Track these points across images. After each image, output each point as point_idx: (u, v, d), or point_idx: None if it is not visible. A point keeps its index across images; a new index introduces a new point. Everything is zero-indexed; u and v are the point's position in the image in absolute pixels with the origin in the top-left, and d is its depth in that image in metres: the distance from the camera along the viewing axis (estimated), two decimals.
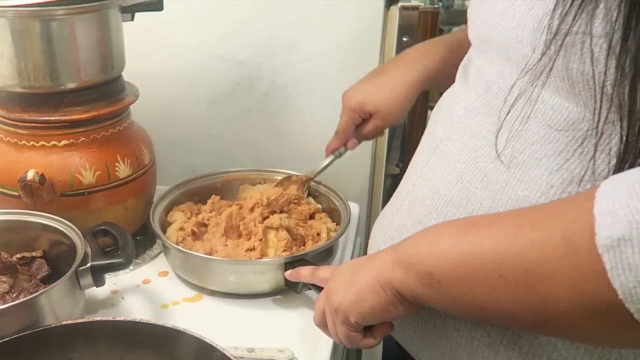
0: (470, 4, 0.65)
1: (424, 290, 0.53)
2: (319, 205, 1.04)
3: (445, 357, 0.62)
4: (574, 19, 0.46)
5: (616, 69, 0.45)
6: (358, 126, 0.95)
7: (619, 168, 0.47)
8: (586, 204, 0.42)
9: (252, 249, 0.89)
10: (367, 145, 1.17)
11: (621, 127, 0.46)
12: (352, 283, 0.60)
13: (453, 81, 0.69)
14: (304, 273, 0.79)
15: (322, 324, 0.68)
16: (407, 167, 0.73)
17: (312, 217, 1.01)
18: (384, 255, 0.58)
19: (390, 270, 0.55)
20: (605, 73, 0.46)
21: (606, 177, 0.47)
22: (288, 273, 0.83)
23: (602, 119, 0.47)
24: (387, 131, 1.25)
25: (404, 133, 1.43)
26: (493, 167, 0.56)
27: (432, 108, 0.75)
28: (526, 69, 0.52)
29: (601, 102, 0.47)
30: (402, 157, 1.36)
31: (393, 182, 1.37)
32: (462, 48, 0.72)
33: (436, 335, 0.62)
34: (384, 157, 1.28)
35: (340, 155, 1.01)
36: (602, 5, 0.45)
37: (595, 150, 0.48)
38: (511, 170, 0.54)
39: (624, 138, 0.46)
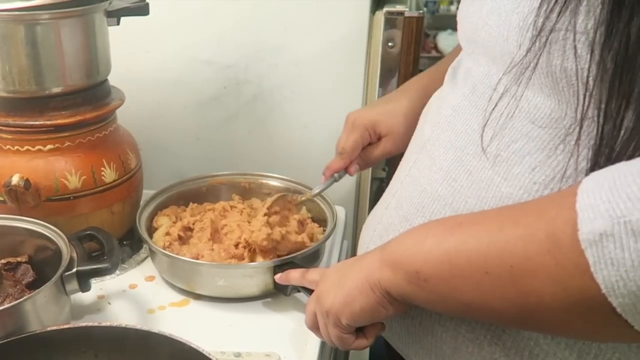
0: (460, 7, 0.66)
1: (412, 289, 0.54)
2: (309, 215, 1.03)
3: (431, 353, 0.63)
4: (558, 16, 0.47)
5: (597, 64, 0.46)
6: (363, 149, 0.92)
7: (594, 163, 0.48)
8: (568, 200, 0.43)
9: (237, 244, 0.89)
10: None
11: (598, 121, 0.47)
12: (341, 285, 0.61)
13: None
14: (294, 276, 0.79)
15: (314, 327, 0.68)
16: (393, 171, 0.74)
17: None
18: (371, 256, 0.59)
19: (378, 271, 0.56)
20: (588, 69, 0.46)
21: (587, 173, 0.48)
22: (278, 276, 0.83)
23: (584, 115, 0.48)
24: None
25: None
26: (478, 165, 0.57)
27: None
28: (511, 65, 0.53)
29: (584, 98, 0.47)
30: (389, 161, 1.37)
31: (379, 185, 1.38)
32: None
33: (422, 331, 0.63)
34: None
35: (338, 179, 0.95)
36: (585, 2, 0.46)
37: (577, 145, 0.49)
38: (495, 168, 0.55)
39: (600, 131, 0.47)
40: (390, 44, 1.15)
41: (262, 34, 1.16)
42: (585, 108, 0.48)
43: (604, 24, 0.45)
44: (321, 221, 1.01)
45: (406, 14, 1.11)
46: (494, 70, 0.57)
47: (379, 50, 1.16)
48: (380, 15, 1.13)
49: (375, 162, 0.95)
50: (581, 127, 0.49)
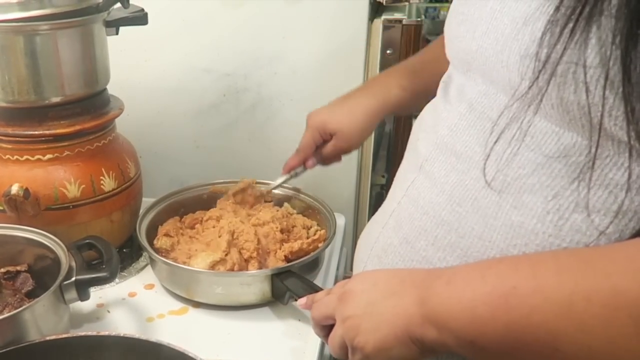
0: (446, 22, 0.64)
1: (463, 351, 0.51)
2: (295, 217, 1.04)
3: None
4: (564, 48, 0.45)
5: (625, 104, 0.43)
6: (319, 146, 0.97)
7: (621, 203, 0.46)
8: None
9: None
10: (352, 156, 1.18)
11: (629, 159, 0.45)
12: (373, 321, 0.56)
13: (418, 108, 0.70)
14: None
15: (324, 332, 0.66)
16: (393, 177, 0.73)
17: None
18: (407, 300, 0.54)
19: (420, 327, 0.52)
20: (602, 105, 0.44)
21: (601, 210, 0.47)
22: (303, 303, 0.73)
23: (597, 150, 0.47)
24: (372, 141, 1.26)
25: (389, 143, 1.44)
26: (484, 191, 0.55)
27: (416, 117, 0.75)
28: (515, 96, 0.50)
29: (599, 133, 0.46)
30: (388, 168, 1.37)
31: (379, 191, 1.38)
32: (419, 77, 0.72)
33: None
34: (369, 168, 1.29)
35: (297, 174, 1.01)
36: (593, 35, 0.44)
37: (590, 181, 0.48)
38: (503, 196, 0.53)
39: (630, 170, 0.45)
40: (388, 51, 1.16)
41: (261, 42, 1.16)
42: (601, 142, 0.46)
43: (620, 58, 0.42)
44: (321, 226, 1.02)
45: (404, 22, 1.12)
46: (492, 90, 0.55)
47: (378, 58, 1.17)
48: (378, 23, 1.13)
49: (333, 158, 0.99)
50: (594, 163, 0.47)
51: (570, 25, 0.44)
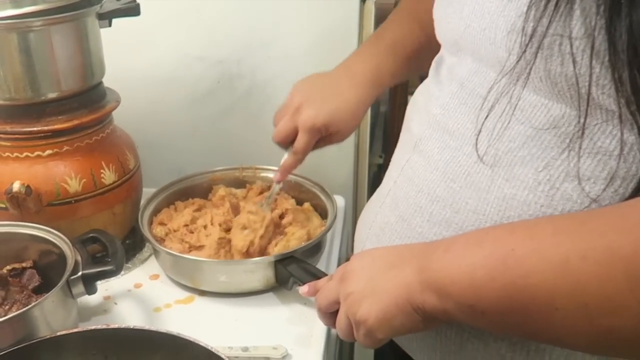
0: (435, 5, 0.65)
1: (464, 317, 0.51)
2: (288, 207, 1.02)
3: (436, 349, 0.63)
4: (549, 21, 0.46)
5: (612, 73, 0.44)
6: None
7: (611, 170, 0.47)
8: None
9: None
10: (349, 137, 1.18)
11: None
12: (375, 294, 0.57)
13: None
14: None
15: (328, 318, 0.66)
16: (390, 157, 0.73)
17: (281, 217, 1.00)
18: (408, 272, 0.54)
19: (420, 294, 0.53)
20: (590, 75, 0.45)
21: (591, 177, 0.48)
22: (305, 291, 0.74)
23: (586, 119, 0.47)
24: (368, 122, 1.26)
25: (385, 122, 1.45)
26: (476, 166, 0.56)
27: (412, 94, 0.76)
28: (503, 71, 0.52)
29: (587, 103, 0.46)
30: (386, 148, 1.38)
31: (377, 172, 1.39)
32: (404, 56, 0.73)
33: None
34: (367, 148, 1.29)
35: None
36: (577, 6, 0.45)
37: (579, 150, 0.48)
38: (495, 169, 0.54)
39: None
40: None
41: (252, 28, 1.16)
42: (587, 114, 0.47)
43: (605, 27, 0.43)
44: (321, 210, 1.02)
45: (396, 2, 1.11)
46: (483, 68, 0.56)
47: None
48: (370, 4, 1.13)
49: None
50: (583, 132, 0.48)
51: None
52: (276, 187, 0.98)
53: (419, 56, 0.86)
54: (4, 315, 0.74)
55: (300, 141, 0.90)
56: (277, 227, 0.96)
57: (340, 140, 0.95)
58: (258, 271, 0.87)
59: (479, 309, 0.49)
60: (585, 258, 0.43)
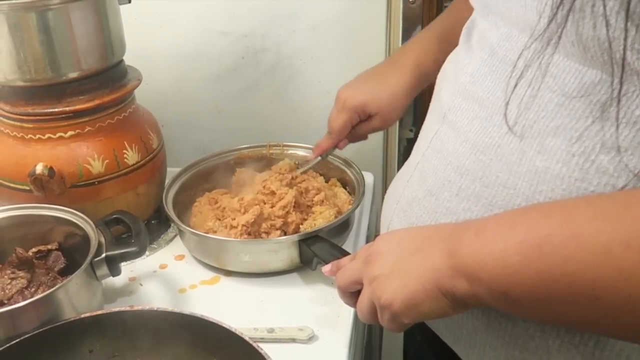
0: None
1: (497, 304, 0.49)
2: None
3: (462, 327, 0.61)
4: None
5: None
6: (352, 127, 0.95)
7: None
8: None
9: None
10: None
11: None
12: (402, 278, 0.55)
13: None
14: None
15: (349, 296, 0.65)
16: (420, 131, 0.71)
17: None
18: (436, 254, 0.52)
19: (450, 279, 0.50)
20: (625, 38, 0.42)
21: (629, 148, 0.45)
22: (328, 270, 0.71)
23: (622, 86, 0.44)
24: None
25: (416, 96, 1.40)
26: (507, 137, 0.53)
27: None
28: (534, 36, 0.49)
29: (622, 68, 0.43)
30: (416, 122, 1.34)
31: (408, 146, 1.35)
32: (452, 43, 0.69)
33: None
34: (397, 122, 1.26)
35: (327, 155, 1.00)
36: None
37: (617, 119, 0.45)
38: (526, 141, 0.51)
39: None
40: (411, 0, 1.12)
41: (276, 0, 1.13)
42: (622, 80, 0.44)
43: None
44: (350, 188, 1.00)
45: None
46: (515, 33, 0.54)
47: (400, 7, 1.12)
48: None
49: (363, 137, 0.99)
50: (619, 100, 0.45)
51: None
52: (310, 163, 1.00)
53: None
54: (30, 298, 0.74)
55: (336, 120, 0.92)
56: (306, 207, 0.95)
57: (382, 126, 0.95)
58: (282, 251, 0.85)
59: (513, 296, 0.47)
60: (629, 246, 0.40)
